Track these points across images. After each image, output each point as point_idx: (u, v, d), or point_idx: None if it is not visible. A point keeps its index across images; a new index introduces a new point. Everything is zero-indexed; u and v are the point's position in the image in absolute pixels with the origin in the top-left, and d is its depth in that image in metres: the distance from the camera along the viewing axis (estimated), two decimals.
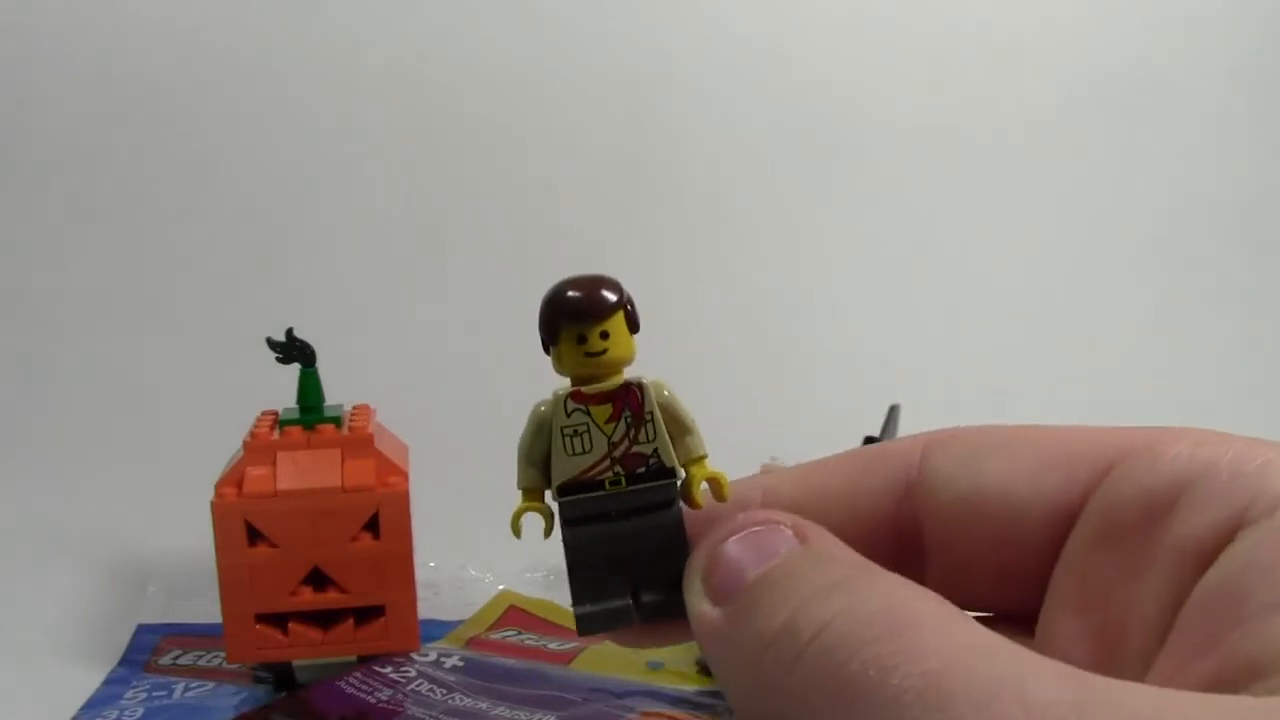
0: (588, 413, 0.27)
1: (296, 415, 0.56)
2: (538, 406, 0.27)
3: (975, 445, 0.28)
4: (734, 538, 0.26)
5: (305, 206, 0.89)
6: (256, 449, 0.54)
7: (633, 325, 0.27)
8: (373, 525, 0.53)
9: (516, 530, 0.27)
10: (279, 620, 0.54)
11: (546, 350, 0.28)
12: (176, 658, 0.58)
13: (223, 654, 0.55)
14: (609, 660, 0.55)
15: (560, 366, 0.28)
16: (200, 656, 0.58)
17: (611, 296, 0.27)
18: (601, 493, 0.27)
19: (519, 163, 0.90)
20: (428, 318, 0.89)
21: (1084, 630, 0.24)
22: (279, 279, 0.88)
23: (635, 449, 0.27)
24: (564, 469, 0.27)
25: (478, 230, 0.91)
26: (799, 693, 0.21)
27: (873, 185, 0.96)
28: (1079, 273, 0.99)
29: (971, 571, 0.28)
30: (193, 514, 0.54)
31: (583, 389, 0.27)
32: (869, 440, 0.60)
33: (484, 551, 0.65)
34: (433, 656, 0.55)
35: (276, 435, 0.54)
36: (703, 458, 0.28)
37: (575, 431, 0.27)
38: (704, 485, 0.28)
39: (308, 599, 0.54)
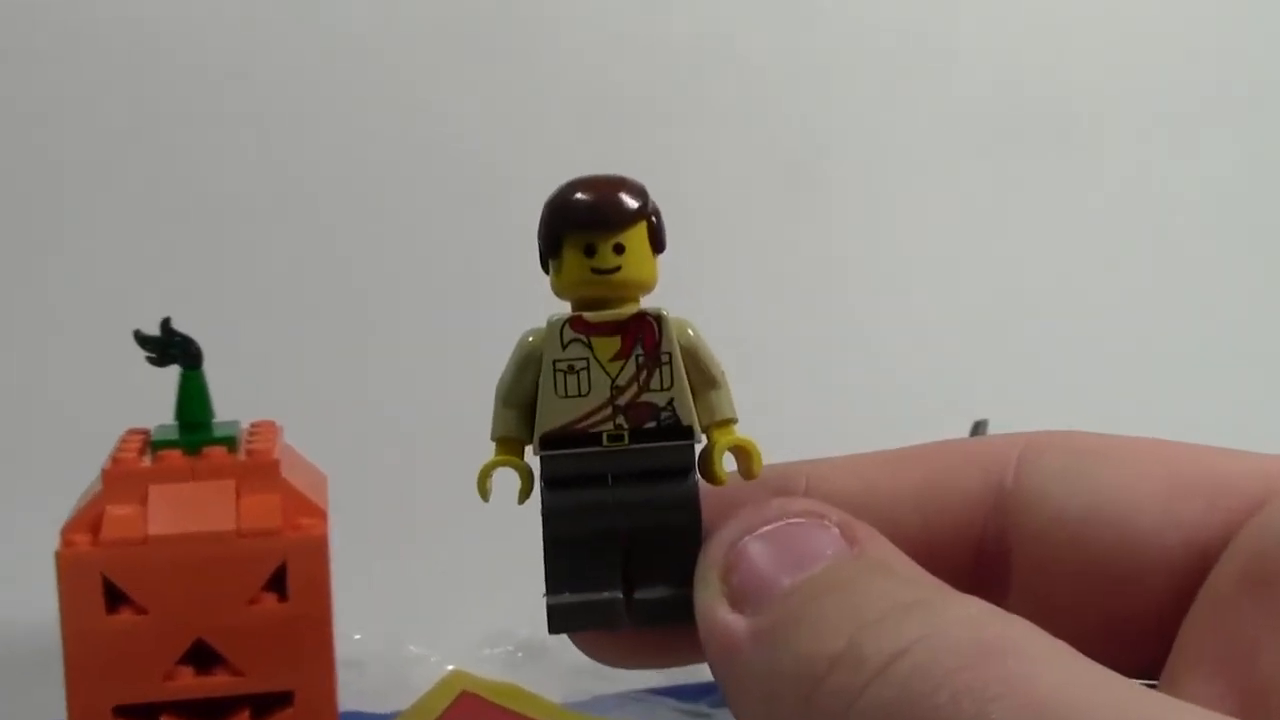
0: (589, 345, 0.27)
1: (175, 435, 0.55)
2: (525, 335, 0.27)
3: (1088, 452, 0.29)
4: (765, 528, 0.26)
5: (190, 177, 0.90)
6: (119, 480, 0.53)
7: (657, 243, 0.27)
8: (278, 583, 0.53)
9: (484, 490, 0.27)
10: (147, 714, 0.53)
11: (545, 266, 0.27)
12: None
13: None
14: None
15: (559, 286, 0.27)
16: None
17: (632, 202, 0.27)
18: (598, 448, 0.27)
19: (467, 147, 0.93)
20: (354, 307, 0.90)
21: (1223, 694, 0.25)
22: (151, 261, 0.87)
23: (645, 397, 0.27)
24: (552, 413, 0.27)
25: (424, 204, 0.93)
26: None
27: (923, 177, 1.01)
28: (1167, 268, 1.04)
29: (1072, 610, 0.28)
30: (29, 570, 0.54)
31: (585, 315, 0.27)
32: (977, 428, 0.62)
33: (428, 619, 0.66)
34: None
35: (147, 461, 0.54)
36: (730, 421, 0.27)
37: (571, 367, 0.27)
38: (729, 456, 0.28)
39: (188, 684, 0.53)
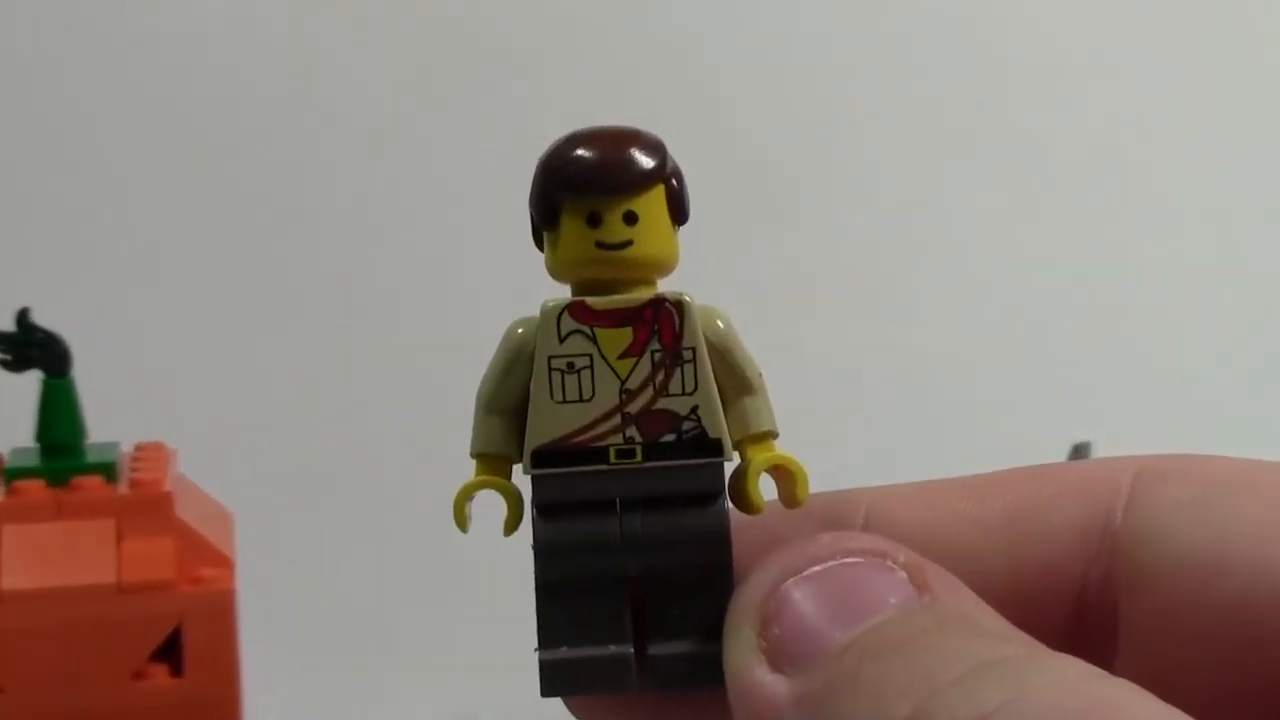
0: (593, 338, 0.26)
1: (35, 460, 0.53)
2: (514, 326, 0.27)
3: (1217, 481, 0.28)
4: (814, 569, 0.25)
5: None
6: None
7: (677, 212, 0.26)
8: (171, 653, 0.51)
9: (461, 519, 0.27)
10: None
11: (538, 241, 0.27)
12: None
13: None
14: None
15: (555, 264, 0.27)
16: None
17: (647, 160, 0.26)
18: (603, 467, 0.26)
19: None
20: (266, 298, 0.89)
21: None
22: (6, 241, 0.86)
23: (663, 403, 0.26)
24: (546, 423, 0.26)
25: (353, 182, 0.92)
26: None
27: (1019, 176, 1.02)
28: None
29: (1195, 675, 0.27)
30: None
31: (589, 301, 0.26)
32: (1078, 452, 0.63)
33: (364, 700, 0.65)
34: None
35: (0, 494, 0.53)
36: (769, 435, 0.26)
37: (570, 365, 0.26)
38: (767, 478, 0.27)
39: None
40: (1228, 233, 1.07)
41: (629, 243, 0.26)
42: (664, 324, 0.26)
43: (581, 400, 0.26)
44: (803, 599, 0.25)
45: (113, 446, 0.54)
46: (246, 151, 0.91)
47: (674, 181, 0.26)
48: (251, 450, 0.65)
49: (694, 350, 0.26)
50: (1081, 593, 0.28)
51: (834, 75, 1.02)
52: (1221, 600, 0.27)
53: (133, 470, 0.53)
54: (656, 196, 0.26)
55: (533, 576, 0.26)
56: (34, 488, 0.51)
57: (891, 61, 1.04)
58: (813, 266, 1.00)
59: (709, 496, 0.26)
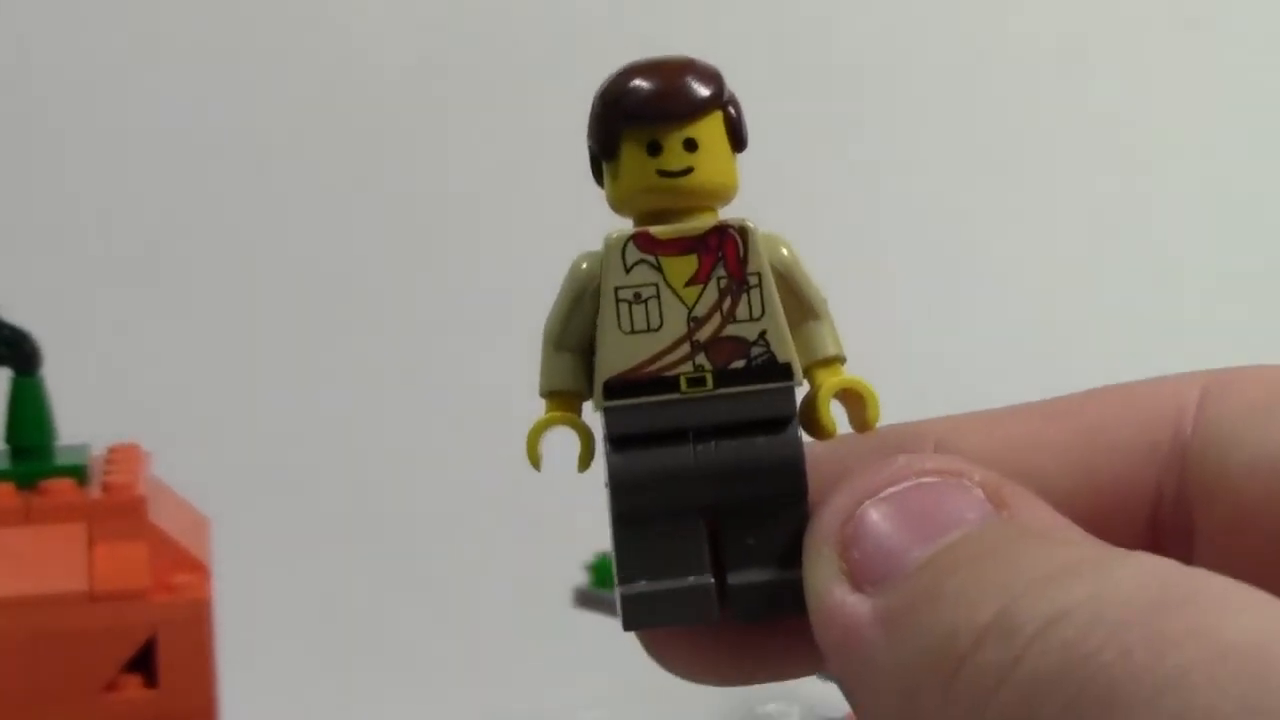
0: (659, 267, 0.26)
1: (3, 463, 0.53)
2: (578, 261, 0.27)
3: None
4: (890, 489, 0.25)
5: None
6: None
7: (737, 140, 0.27)
8: (145, 663, 0.50)
9: (534, 458, 0.27)
10: None
11: (597, 174, 0.27)
12: None
13: None
14: None
15: (617, 196, 0.27)
16: None
17: (704, 88, 0.26)
18: (675, 395, 0.26)
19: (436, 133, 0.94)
20: (246, 294, 0.89)
21: None
22: None
23: (731, 329, 0.26)
24: (616, 354, 0.26)
25: (335, 181, 0.92)
26: (1016, 709, 0.21)
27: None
28: None
29: (1271, 575, 0.25)
30: None
31: (652, 230, 0.26)
32: None
33: (349, 707, 0.64)
34: None
35: None
36: (836, 359, 0.27)
37: (637, 295, 0.26)
38: (837, 404, 0.28)
39: None
40: (1239, 231, 1.07)
41: (690, 170, 0.26)
42: (728, 250, 0.26)
43: (650, 330, 0.26)
44: (880, 520, 0.25)
45: (84, 449, 0.54)
46: (219, 148, 0.91)
47: (731, 109, 0.27)
48: (229, 453, 0.64)
49: (759, 275, 0.26)
50: (1156, 505, 0.29)
51: (835, 74, 1.01)
52: None
53: (105, 473, 0.52)
54: (715, 123, 0.26)
55: (608, 510, 0.26)
56: (1, 491, 0.51)
57: (895, 60, 1.03)
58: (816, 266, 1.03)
59: (781, 421, 0.26)
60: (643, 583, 0.26)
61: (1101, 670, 0.21)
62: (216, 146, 0.91)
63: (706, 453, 0.26)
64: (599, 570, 0.60)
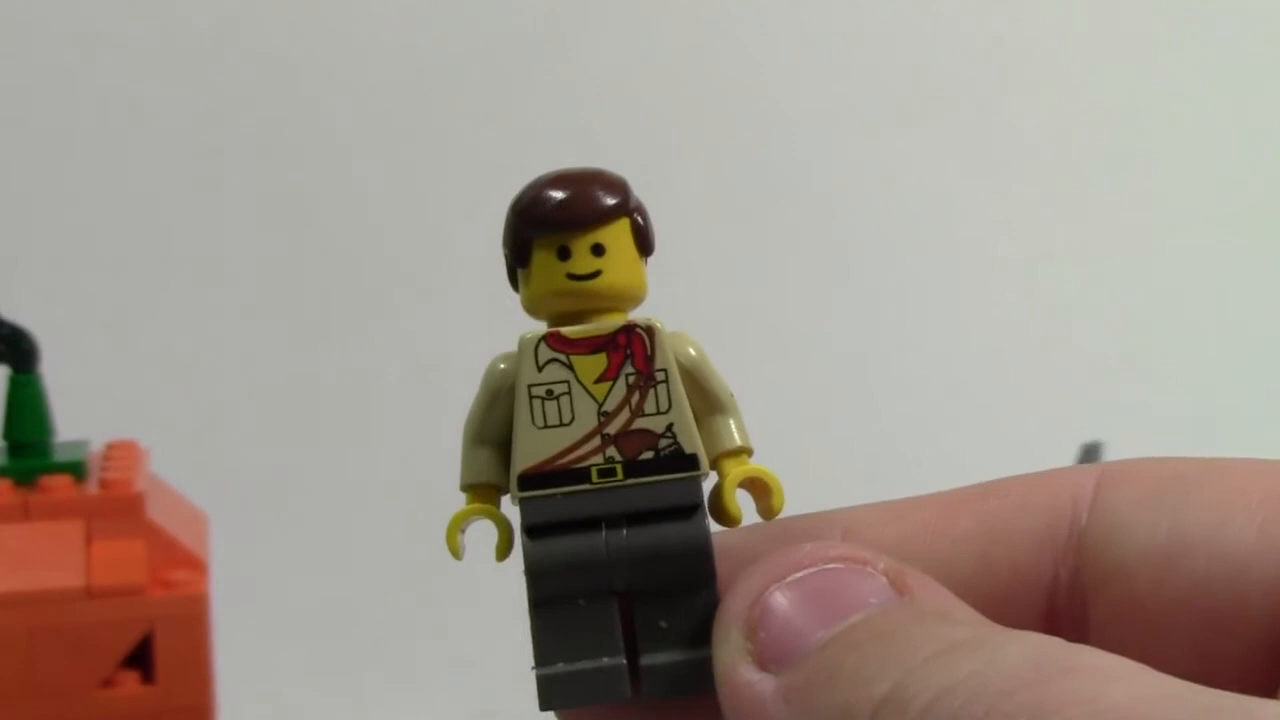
0: (570, 365, 0.27)
1: (1, 459, 0.53)
2: (495, 361, 0.28)
3: (1175, 479, 0.29)
4: (796, 574, 0.26)
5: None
6: None
7: (643, 244, 0.28)
8: (142, 659, 0.50)
9: (454, 547, 0.28)
10: None
11: (513, 282, 0.28)
12: None
13: None
14: None
15: (530, 299, 0.28)
16: None
17: (610, 198, 0.27)
18: (586, 486, 0.27)
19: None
20: (244, 292, 0.89)
21: None
22: None
23: (640, 423, 0.27)
24: (530, 448, 0.27)
25: (337, 180, 0.92)
26: None
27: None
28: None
29: (1161, 655, 0.27)
30: None
31: (563, 330, 0.27)
32: (1088, 454, 0.66)
33: (350, 709, 0.64)
34: None
35: None
36: (743, 450, 0.28)
37: (550, 392, 0.27)
38: (743, 493, 0.28)
39: None
40: (1244, 232, 1.06)
41: (598, 273, 0.27)
42: (636, 348, 0.27)
43: (562, 424, 0.27)
44: (786, 603, 0.25)
45: (82, 445, 0.54)
46: (215, 147, 0.91)
47: (638, 216, 0.27)
48: (226, 450, 0.64)
49: (666, 371, 0.27)
50: (1052, 592, 0.29)
51: (838, 73, 1.01)
52: (1181, 585, 0.28)
53: (103, 470, 0.52)
54: (622, 229, 0.27)
55: (525, 598, 0.27)
56: (1, 487, 0.51)
57: (898, 58, 1.03)
58: (818, 266, 0.98)
59: (689, 509, 0.27)
60: (559, 665, 0.27)
61: None
62: (214, 146, 0.91)
63: (617, 539, 0.27)
64: None
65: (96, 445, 0.55)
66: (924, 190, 1.04)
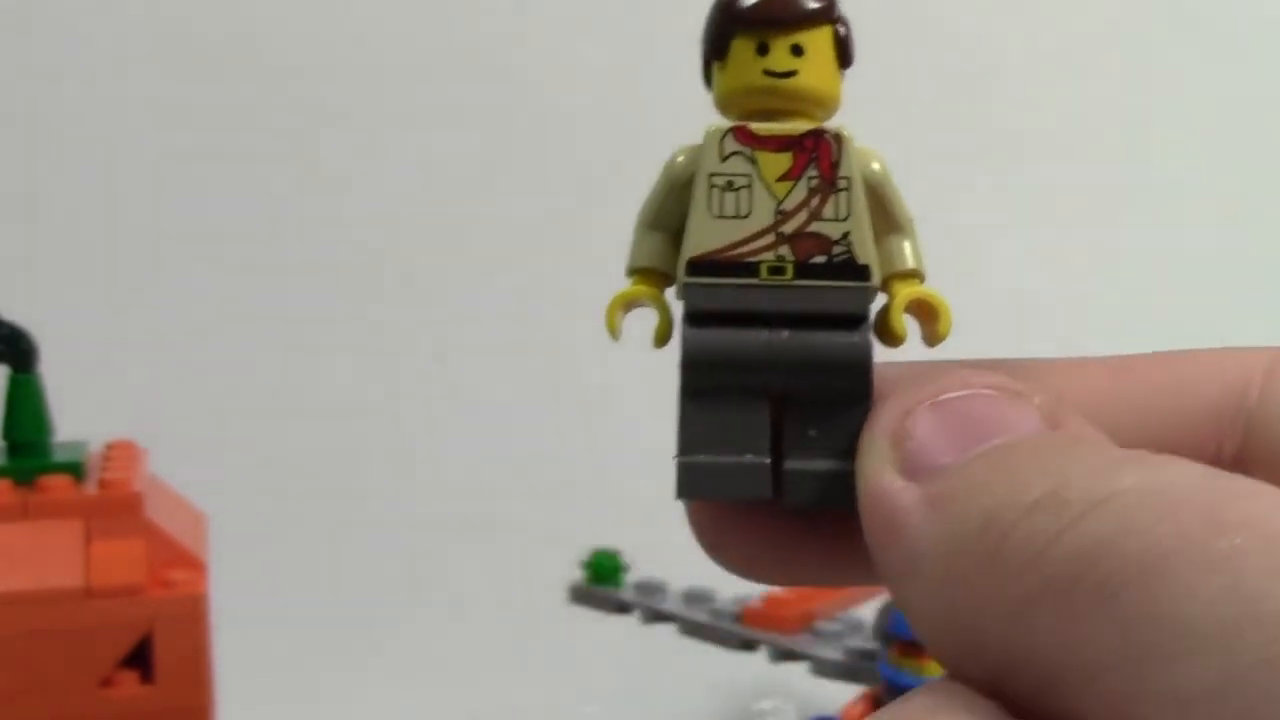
0: (753, 160, 0.27)
1: (2, 458, 0.53)
2: (675, 154, 0.27)
3: None
4: (950, 394, 0.25)
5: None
6: None
7: (844, 55, 0.27)
8: (141, 659, 0.50)
9: (613, 327, 0.27)
10: None
11: (707, 78, 0.28)
12: None
13: None
14: None
15: (722, 92, 0.27)
16: None
17: (814, 2, 0.27)
18: (754, 281, 0.27)
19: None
20: (245, 290, 0.89)
21: None
22: None
23: (816, 226, 0.27)
24: (703, 235, 0.27)
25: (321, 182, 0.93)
26: (1063, 568, 0.22)
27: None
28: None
29: None
30: None
31: (751, 125, 0.27)
32: None
33: (350, 711, 0.65)
34: None
35: None
36: (915, 274, 0.27)
37: (730, 184, 0.27)
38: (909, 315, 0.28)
39: None
40: (1238, 226, 1.06)
41: (794, 73, 0.26)
42: (822, 153, 0.27)
43: (738, 216, 0.27)
44: (938, 419, 0.25)
45: (81, 445, 0.54)
46: (212, 148, 0.91)
47: (841, 27, 0.27)
48: (226, 450, 0.64)
49: (849, 180, 0.27)
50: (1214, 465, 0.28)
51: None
52: None
53: (102, 470, 0.52)
54: (823, 35, 0.27)
55: (678, 385, 0.27)
56: (0, 487, 0.51)
57: (898, 58, 1.02)
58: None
59: (854, 319, 0.27)
60: (701, 455, 0.27)
61: (1156, 541, 0.21)
62: (212, 147, 0.91)
63: (778, 340, 0.27)
64: (594, 567, 0.60)
65: (96, 445, 0.55)
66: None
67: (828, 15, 0.27)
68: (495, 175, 0.97)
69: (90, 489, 0.51)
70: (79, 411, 0.56)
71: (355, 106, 0.95)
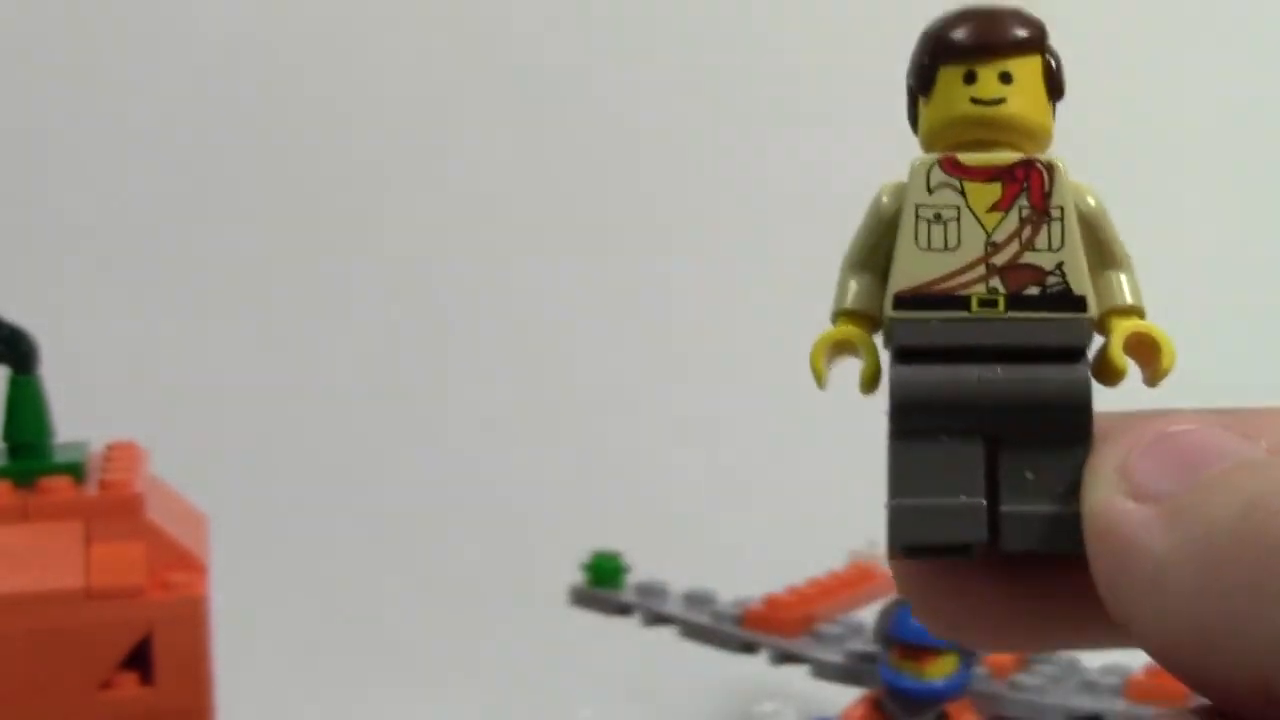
0: (962, 192, 0.26)
1: (2, 459, 0.53)
2: (880, 193, 0.27)
3: None
4: (1177, 428, 0.25)
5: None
6: None
7: (1054, 86, 0.27)
8: (140, 660, 0.50)
9: (819, 372, 0.27)
10: None
11: (913, 109, 0.27)
12: None
13: None
14: None
15: (928, 124, 0.27)
16: None
17: (1023, 29, 0.26)
18: (964, 314, 0.26)
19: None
20: (247, 289, 0.89)
21: None
22: None
23: (1028, 257, 0.26)
24: (911, 268, 0.26)
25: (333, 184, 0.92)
26: None
27: None
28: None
29: None
30: None
31: (959, 156, 0.26)
32: None
33: (349, 705, 0.64)
34: None
35: None
36: (1134, 310, 0.26)
37: (938, 216, 0.26)
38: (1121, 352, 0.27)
39: None
40: (1241, 228, 1.05)
41: (1003, 100, 0.26)
42: (1034, 183, 0.26)
43: (947, 249, 0.26)
44: (1166, 449, 0.24)
45: (81, 446, 0.54)
46: (216, 148, 0.91)
47: (1051, 58, 0.27)
48: (227, 451, 0.64)
49: (1062, 210, 0.26)
50: None
51: (839, 73, 1.00)
52: None
53: (103, 471, 0.52)
54: (1033, 64, 0.26)
55: (887, 426, 0.26)
56: (0, 489, 0.51)
57: (894, 61, 1.05)
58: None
59: (1072, 352, 0.26)
60: (909, 496, 0.26)
61: None
62: (213, 147, 0.91)
63: (992, 376, 0.26)
64: (595, 569, 0.61)
65: (97, 446, 0.55)
66: None
67: (1038, 44, 0.27)
68: (498, 174, 0.95)
69: (91, 490, 0.51)
70: (79, 412, 0.56)
71: (356, 106, 0.94)
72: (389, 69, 0.96)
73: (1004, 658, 0.53)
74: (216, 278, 0.89)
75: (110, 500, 0.51)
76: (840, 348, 0.27)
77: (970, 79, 0.26)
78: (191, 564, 0.51)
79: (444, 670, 0.65)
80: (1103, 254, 0.26)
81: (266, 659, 0.56)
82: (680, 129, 0.99)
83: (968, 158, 0.26)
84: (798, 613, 0.57)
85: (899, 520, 0.25)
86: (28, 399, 0.53)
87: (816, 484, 0.71)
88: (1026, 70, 0.26)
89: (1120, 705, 0.52)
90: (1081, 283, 0.26)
